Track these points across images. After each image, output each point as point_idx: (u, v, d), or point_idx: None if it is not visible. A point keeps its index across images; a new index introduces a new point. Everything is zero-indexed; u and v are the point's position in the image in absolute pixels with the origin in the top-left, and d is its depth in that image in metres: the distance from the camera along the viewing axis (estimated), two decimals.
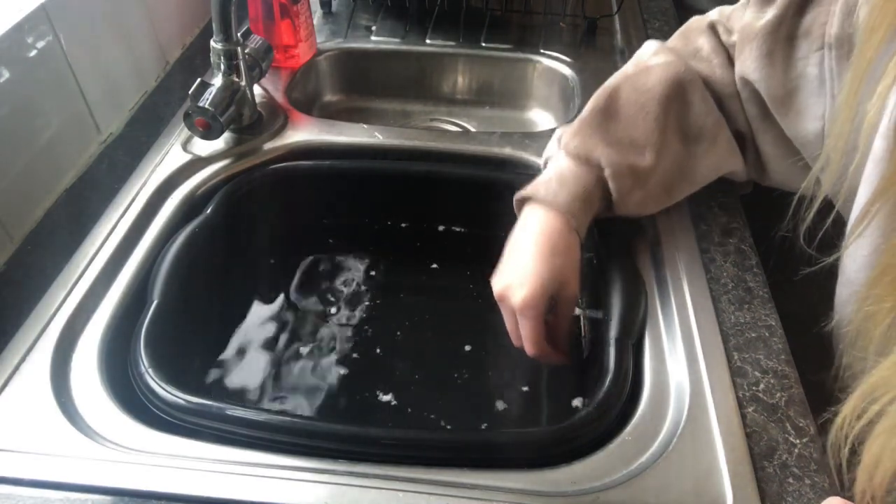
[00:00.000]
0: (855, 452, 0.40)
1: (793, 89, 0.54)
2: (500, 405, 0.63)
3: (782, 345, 0.54)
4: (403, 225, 0.79)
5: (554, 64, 0.91)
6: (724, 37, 0.62)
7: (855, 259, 0.50)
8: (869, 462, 0.38)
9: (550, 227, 0.56)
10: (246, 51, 0.70)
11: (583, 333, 0.68)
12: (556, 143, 0.63)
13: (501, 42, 0.95)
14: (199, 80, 0.67)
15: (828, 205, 0.49)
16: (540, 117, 0.96)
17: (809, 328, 0.56)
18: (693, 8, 1.43)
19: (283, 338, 0.68)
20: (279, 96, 0.81)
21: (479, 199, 0.75)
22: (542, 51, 0.93)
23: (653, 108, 0.59)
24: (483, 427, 0.61)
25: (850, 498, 0.39)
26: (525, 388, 0.64)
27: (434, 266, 0.76)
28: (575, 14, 0.99)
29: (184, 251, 0.61)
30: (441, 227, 0.79)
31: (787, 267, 0.61)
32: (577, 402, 0.61)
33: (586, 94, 0.83)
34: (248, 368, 0.65)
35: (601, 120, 0.60)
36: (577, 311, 0.70)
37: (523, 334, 0.56)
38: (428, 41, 0.95)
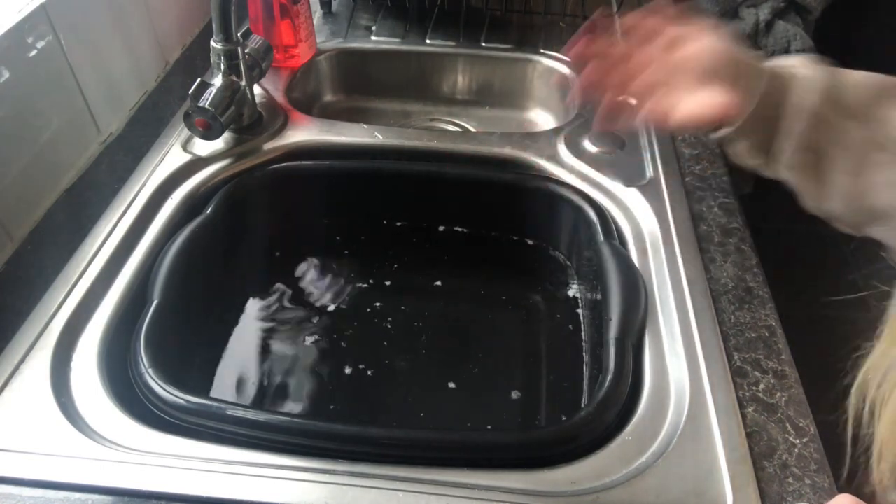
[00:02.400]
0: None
1: None
2: (500, 404, 0.63)
3: (782, 345, 0.54)
4: (404, 225, 0.79)
5: (554, 64, 0.91)
6: None
7: None
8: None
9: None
10: (246, 51, 0.70)
11: (580, 322, 0.68)
12: None
13: (501, 42, 0.95)
14: (199, 80, 0.67)
15: None
16: (540, 117, 0.96)
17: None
18: (692, 8, 1.43)
19: (283, 338, 0.68)
20: (279, 96, 0.81)
21: (479, 199, 0.75)
22: (542, 51, 0.93)
23: (874, 83, 0.51)
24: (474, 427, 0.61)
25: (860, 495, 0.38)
26: (521, 392, 0.64)
27: (433, 266, 0.76)
28: (575, 14, 0.99)
29: (184, 251, 0.61)
30: (441, 228, 0.79)
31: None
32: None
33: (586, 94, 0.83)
34: (247, 368, 0.65)
35: (826, 70, 0.53)
36: (574, 291, 0.70)
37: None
38: (428, 41, 0.95)
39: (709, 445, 0.47)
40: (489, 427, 0.61)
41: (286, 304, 0.72)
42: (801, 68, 0.53)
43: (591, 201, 0.68)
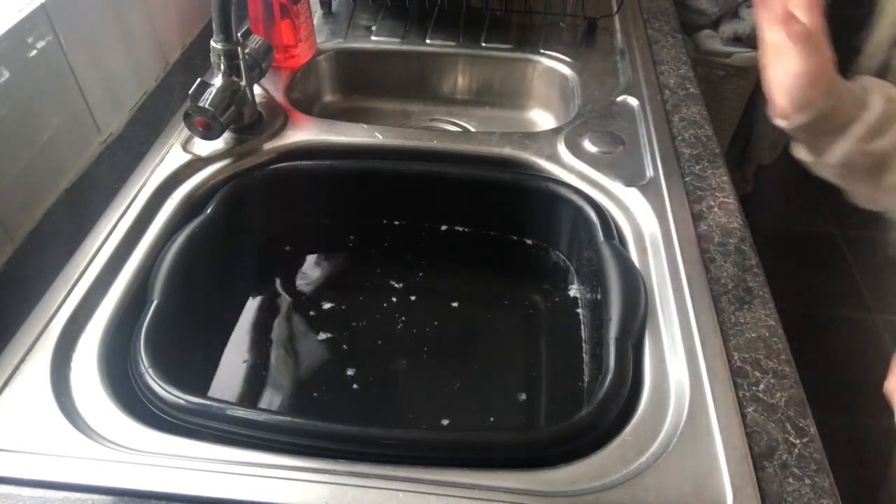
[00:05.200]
0: None
1: None
2: (503, 405, 0.63)
3: (782, 345, 0.54)
4: (403, 225, 0.79)
5: (554, 64, 0.91)
6: None
7: None
8: None
9: None
10: (246, 51, 0.70)
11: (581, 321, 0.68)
12: None
13: (501, 42, 0.95)
14: (199, 80, 0.67)
15: None
16: (540, 117, 0.96)
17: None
18: (693, 8, 1.43)
19: (283, 338, 0.68)
20: (279, 96, 0.81)
21: (479, 199, 0.75)
22: (542, 51, 0.93)
23: None
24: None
25: None
26: (527, 394, 0.64)
27: (433, 266, 0.76)
28: (575, 14, 0.99)
29: (184, 251, 0.61)
30: (441, 227, 0.79)
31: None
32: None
33: (586, 94, 0.84)
34: (247, 368, 0.65)
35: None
36: (574, 291, 0.70)
37: None
38: (428, 41, 0.95)
39: (709, 445, 0.47)
40: (491, 420, 0.61)
41: (285, 303, 0.72)
42: (868, 92, 0.60)
43: (591, 201, 0.68)
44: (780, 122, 0.64)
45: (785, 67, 0.61)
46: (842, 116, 0.60)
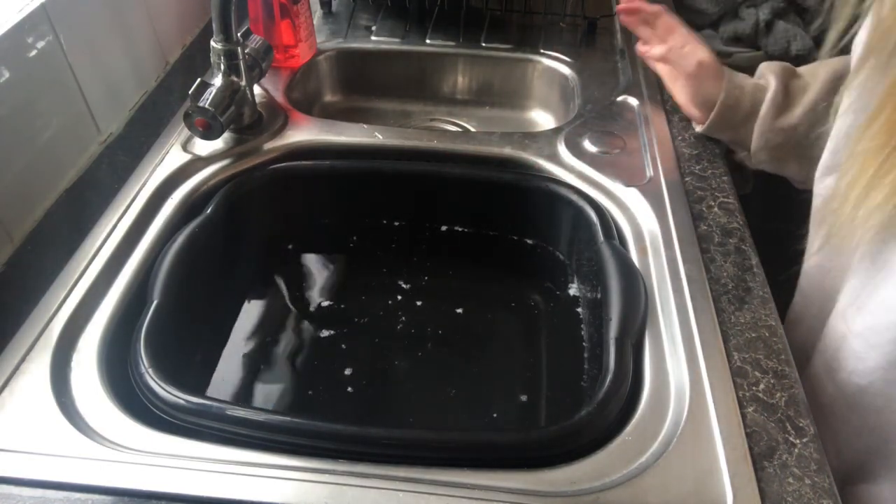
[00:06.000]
0: None
1: None
2: (503, 406, 0.63)
3: (782, 345, 0.54)
4: (403, 225, 0.79)
5: (554, 64, 0.91)
6: None
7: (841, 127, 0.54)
8: None
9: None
10: (246, 51, 0.70)
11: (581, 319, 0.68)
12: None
13: (501, 42, 0.95)
14: (199, 80, 0.67)
15: None
16: (540, 117, 0.96)
17: None
18: (693, 8, 1.43)
19: (283, 338, 0.68)
20: (279, 96, 0.81)
21: (479, 199, 0.75)
22: (542, 51, 0.93)
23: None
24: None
25: None
26: (527, 395, 0.64)
27: (433, 266, 0.76)
28: (575, 14, 0.99)
29: (184, 251, 0.61)
30: (441, 227, 0.79)
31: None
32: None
33: (586, 94, 0.84)
34: (247, 368, 0.65)
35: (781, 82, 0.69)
36: (574, 291, 0.71)
37: None
38: (428, 41, 0.95)
39: (709, 445, 0.47)
40: (494, 416, 0.61)
41: (285, 304, 0.72)
42: (762, 80, 0.70)
43: (591, 201, 0.68)
44: (698, 128, 0.75)
45: (674, 85, 0.75)
46: (747, 103, 0.69)
